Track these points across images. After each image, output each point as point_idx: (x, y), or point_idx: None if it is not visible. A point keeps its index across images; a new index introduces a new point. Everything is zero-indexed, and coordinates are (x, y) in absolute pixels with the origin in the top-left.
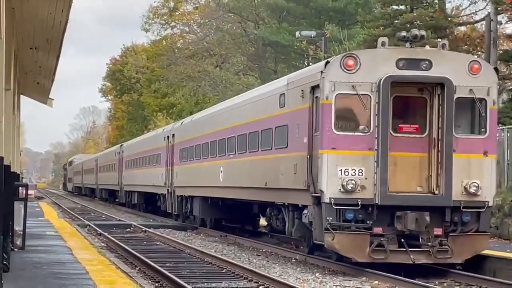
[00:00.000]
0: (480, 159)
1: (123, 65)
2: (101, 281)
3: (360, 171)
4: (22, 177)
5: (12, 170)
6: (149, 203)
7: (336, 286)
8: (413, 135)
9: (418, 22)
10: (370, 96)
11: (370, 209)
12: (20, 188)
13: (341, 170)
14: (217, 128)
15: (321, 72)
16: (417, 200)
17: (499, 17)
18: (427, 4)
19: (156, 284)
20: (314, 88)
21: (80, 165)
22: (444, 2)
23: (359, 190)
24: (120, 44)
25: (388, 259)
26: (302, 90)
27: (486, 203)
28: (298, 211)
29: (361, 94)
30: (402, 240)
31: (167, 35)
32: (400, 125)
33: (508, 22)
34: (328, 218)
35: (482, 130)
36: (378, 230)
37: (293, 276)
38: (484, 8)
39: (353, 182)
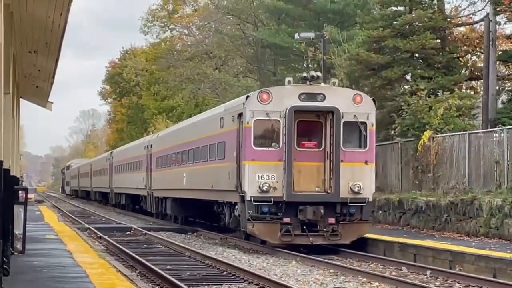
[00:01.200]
0: (362, 167)
1: (122, 68)
2: (102, 284)
3: (273, 176)
4: (22, 181)
5: (11, 173)
6: (136, 203)
7: (336, 287)
8: (313, 149)
9: (417, 23)
10: (280, 121)
11: (280, 204)
12: (20, 191)
13: (258, 175)
14: (181, 141)
15: (244, 103)
16: (315, 197)
17: (498, 18)
18: (426, 5)
19: (157, 287)
20: (240, 115)
21: (76, 170)
22: (443, 3)
23: (272, 191)
24: (118, 46)
25: (293, 241)
26: (232, 116)
27: (367, 199)
28: (232, 207)
29: (273, 120)
30: (304, 227)
31: (166, 37)
32: (303, 142)
33: (507, 23)
34: (249, 211)
35: (364, 145)
36: (286, 220)
37: (294, 278)
38: (483, 8)
39: (267, 184)
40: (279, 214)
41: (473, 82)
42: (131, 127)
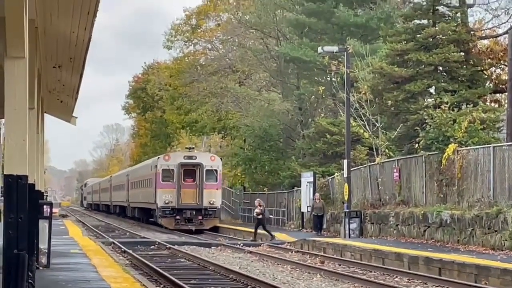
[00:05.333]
0: (215, 191)
1: (145, 83)
2: None
3: (171, 196)
4: (47, 195)
5: (36, 188)
6: (124, 212)
7: None
8: (191, 183)
9: (441, 36)
10: (174, 169)
11: (174, 209)
12: (44, 206)
13: (163, 195)
14: (138, 175)
15: (157, 160)
16: (191, 206)
17: None
18: (449, 18)
19: None
20: (156, 166)
21: (90, 187)
22: (466, 16)
23: (170, 202)
24: (138, 61)
25: (180, 227)
26: (154, 166)
27: (217, 207)
28: (154, 211)
29: (171, 169)
30: (186, 220)
31: (190, 52)
32: (186, 179)
33: None
34: (159, 213)
35: (216, 180)
36: (177, 217)
37: None
38: (507, 21)
39: (168, 200)
40: (173, 214)
41: (498, 95)
42: (155, 142)
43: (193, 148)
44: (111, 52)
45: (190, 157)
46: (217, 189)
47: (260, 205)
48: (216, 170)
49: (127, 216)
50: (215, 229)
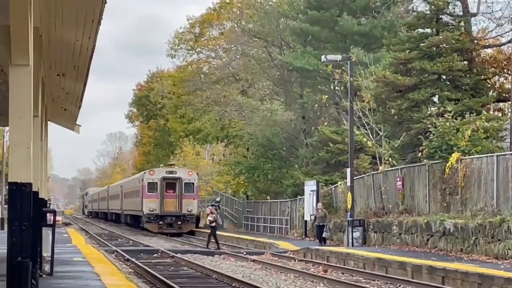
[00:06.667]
0: (192, 200)
1: (149, 91)
2: None
3: (155, 204)
4: (50, 203)
5: (40, 196)
6: (119, 218)
7: None
8: (172, 194)
9: (444, 45)
10: (158, 182)
11: (158, 215)
12: (48, 214)
13: (148, 204)
14: (130, 186)
15: (143, 175)
16: (172, 213)
17: None
18: (452, 27)
19: None
20: (143, 179)
21: (91, 196)
22: (470, 24)
23: (154, 210)
24: (140, 70)
25: (163, 231)
26: (141, 179)
27: (194, 214)
28: (141, 217)
29: (155, 182)
30: (168, 225)
31: (193, 60)
32: (168, 190)
33: None
34: (145, 219)
35: (193, 191)
36: (160, 222)
37: None
38: (511, 30)
39: (152, 208)
40: (157, 220)
41: (501, 104)
42: (158, 150)
43: (173, 164)
44: (113, 60)
45: (171, 172)
46: (194, 199)
47: (212, 213)
48: (193, 183)
49: (121, 222)
50: (191, 232)
